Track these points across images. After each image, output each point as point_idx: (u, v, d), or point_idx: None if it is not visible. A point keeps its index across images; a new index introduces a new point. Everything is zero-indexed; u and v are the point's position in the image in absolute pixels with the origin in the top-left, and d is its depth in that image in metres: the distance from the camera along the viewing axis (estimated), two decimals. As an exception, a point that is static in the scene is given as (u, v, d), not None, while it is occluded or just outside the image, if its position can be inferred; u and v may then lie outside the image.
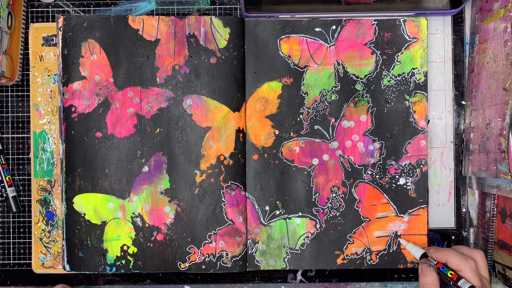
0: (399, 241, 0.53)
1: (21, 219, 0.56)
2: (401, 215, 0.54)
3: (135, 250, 0.53)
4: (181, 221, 0.53)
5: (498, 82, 0.49)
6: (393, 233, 0.54)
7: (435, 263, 0.48)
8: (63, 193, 0.53)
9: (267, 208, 0.54)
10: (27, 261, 0.56)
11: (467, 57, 0.56)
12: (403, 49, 0.54)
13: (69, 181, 0.53)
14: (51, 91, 0.55)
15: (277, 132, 0.54)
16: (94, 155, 0.53)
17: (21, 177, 0.56)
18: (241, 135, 0.54)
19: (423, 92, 0.54)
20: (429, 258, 0.49)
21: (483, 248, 0.55)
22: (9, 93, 0.56)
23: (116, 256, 0.53)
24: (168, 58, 0.53)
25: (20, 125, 0.56)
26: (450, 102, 0.56)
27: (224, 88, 0.53)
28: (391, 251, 0.54)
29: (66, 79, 0.53)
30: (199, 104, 0.53)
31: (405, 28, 0.54)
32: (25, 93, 0.56)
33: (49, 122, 0.55)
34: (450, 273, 0.46)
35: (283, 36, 0.54)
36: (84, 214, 0.53)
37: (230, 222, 0.53)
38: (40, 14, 0.56)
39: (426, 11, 0.54)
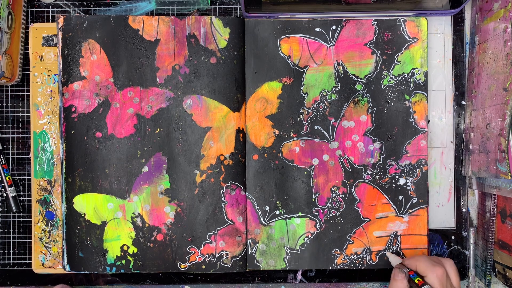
0: (385, 254, 0.54)
1: (21, 219, 0.56)
2: (401, 215, 0.54)
3: (135, 250, 0.53)
4: (181, 221, 0.53)
5: (498, 82, 0.49)
6: (393, 233, 0.54)
7: (408, 270, 0.48)
8: (63, 193, 0.53)
9: (267, 208, 0.54)
10: (27, 261, 0.56)
11: (467, 57, 0.56)
12: (403, 49, 0.54)
13: (69, 181, 0.53)
14: (51, 91, 0.55)
15: (277, 132, 0.54)
16: (94, 155, 0.53)
17: (21, 177, 0.56)
18: (241, 135, 0.54)
19: (423, 92, 0.54)
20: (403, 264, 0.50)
21: (483, 248, 0.55)
22: (9, 93, 0.56)
23: (116, 256, 0.53)
24: (168, 58, 0.53)
25: (20, 125, 0.56)
26: (450, 102, 0.56)
27: (224, 88, 0.53)
28: (391, 251, 0.54)
29: (66, 79, 0.53)
30: (199, 104, 0.53)
31: (405, 28, 0.54)
32: (25, 93, 0.56)
33: (49, 122, 0.55)
34: (417, 280, 0.47)
35: (283, 36, 0.54)
36: (84, 214, 0.53)
37: (230, 222, 0.53)
38: (40, 14, 0.56)
39: (426, 11, 0.54)
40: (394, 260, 0.52)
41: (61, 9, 0.56)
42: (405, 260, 0.50)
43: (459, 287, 0.48)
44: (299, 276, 0.56)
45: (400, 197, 0.54)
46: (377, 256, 0.54)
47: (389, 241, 0.54)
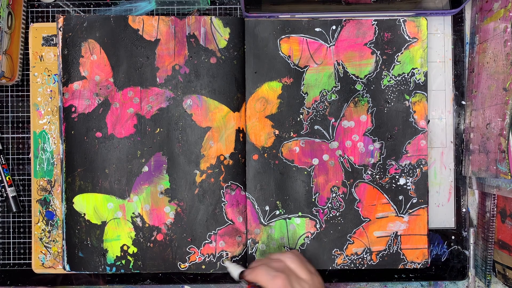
0: (222, 260, 0.52)
1: (21, 219, 0.56)
2: (401, 215, 0.54)
3: (135, 250, 0.53)
4: (181, 221, 0.53)
5: (498, 82, 0.49)
6: (393, 233, 0.54)
7: (247, 284, 0.47)
8: (63, 193, 0.53)
9: (267, 208, 0.54)
10: (27, 261, 0.56)
11: (467, 57, 0.56)
12: (403, 49, 0.54)
13: (69, 181, 0.53)
14: (51, 91, 0.55)
15: (277, 132, 0.54)
16: (94, 155, 0.53)
17: (21, 177, 0.56)
18: (241, 135, 0.54)
19: (423, 92, 0.54)
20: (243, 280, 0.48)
21: (483, 248, 0.55)
22: (9, 93, 0.56)
23: (116, 256, 0.53)
24: (168, 58, 0.53)
25: (20, 125, 0.56)
26: (450, 102, 0.56)
27: (224, 88, 0.53)
28: (391, 251, 0.54)
29: (66, 79, 0.53)
30: (199, 104, 0.53)
31: (405, 28, 0.54)
32: (25, 93, 0.56)
33: (49, 122, 0.55)
34: None
35: (283, 36, 0.54)
36: (84, 214, 0.53)
37: (230, 222, 0.53)
38: (40, 14, 0.56)
39: (426, 11, 0.54)
40: (233, 270, 0.50)
41: (61, 9, 0.56)
42: (245, 272, 0.48)
43: (307, 276, 0.46)
44: (299, 276, 0.56)
45: (400, 197, 0.54)
46: (377, 256, 0.54)
47: (389, 241, 0.54)
